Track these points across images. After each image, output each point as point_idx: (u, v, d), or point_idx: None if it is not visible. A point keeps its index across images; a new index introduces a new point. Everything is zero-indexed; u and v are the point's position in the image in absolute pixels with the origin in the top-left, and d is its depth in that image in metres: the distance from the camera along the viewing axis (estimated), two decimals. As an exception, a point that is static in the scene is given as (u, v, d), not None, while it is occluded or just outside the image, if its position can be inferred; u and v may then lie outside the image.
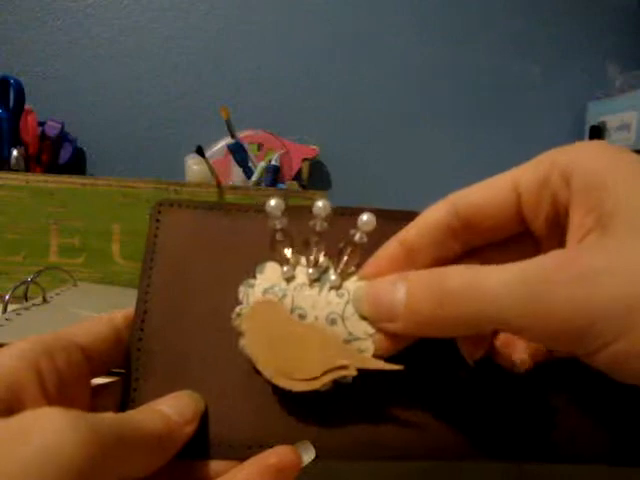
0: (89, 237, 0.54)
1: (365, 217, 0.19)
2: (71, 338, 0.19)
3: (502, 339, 0.20)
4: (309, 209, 0.20)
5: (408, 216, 0.20)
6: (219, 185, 0.55)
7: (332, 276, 0.20)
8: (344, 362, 0.19)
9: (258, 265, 0.21)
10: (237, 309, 0.20)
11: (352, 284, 0.20)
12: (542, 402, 0.21)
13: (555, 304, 0.14)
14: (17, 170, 0.61)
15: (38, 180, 0.53)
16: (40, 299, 0.43)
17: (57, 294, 0.46)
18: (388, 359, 0.19)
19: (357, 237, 0.20)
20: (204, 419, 0.20)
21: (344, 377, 0.19)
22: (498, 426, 0.20)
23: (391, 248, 0.20)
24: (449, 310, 0.16)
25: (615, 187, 0.16)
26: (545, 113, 0.87)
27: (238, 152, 0.66)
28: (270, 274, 0.21)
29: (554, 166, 0.18)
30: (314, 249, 0.20)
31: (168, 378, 0.21)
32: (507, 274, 0.15)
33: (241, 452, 0.19)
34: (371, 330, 0.19)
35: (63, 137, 0.70)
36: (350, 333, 0.20)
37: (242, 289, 0.21)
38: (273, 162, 0.67)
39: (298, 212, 0.21)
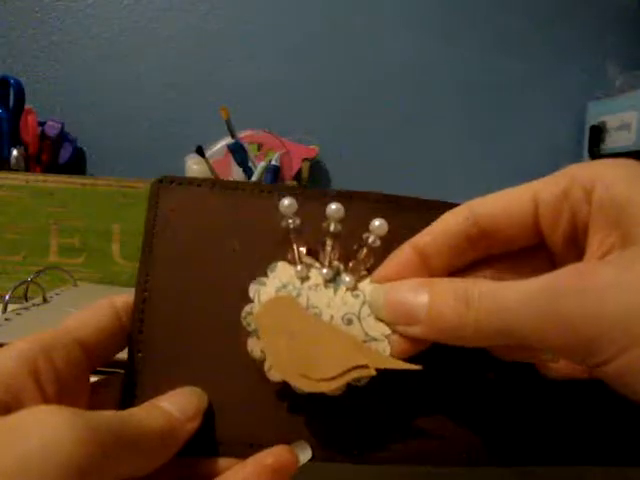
0: (89, 237, 0.54)
1: (377, 222, 0.20)
2: (70, 334, 0.19)
3: None
4: (323, 209, 0.20)
5: (429, 205, 0.20)
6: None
7: (346, 277, 0.20)
8: (364, 361, 0.18)
9: (270, 264, 0.20)
10: (247, 308, 0.20)
11: (367, 286, 0.20)
12: (559, 409, 0.21)
13: (567, 316, 0.15)
14: (17, 170, 0.61)
15: (38, 180, 0.53)
16: (40, 299, 0.43)
17: (57, 294, 0.46)
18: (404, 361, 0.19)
19: (370, 240, 0.20)
20: (207, 416, 0.19)
21: (362, 378, 0.19)
22: (510, 432, 0.20)
23: (405, 253, 0.20)
24: (472, 319, 0.17)
25: None
26: (545, 113, 0.87)
27: (238, 152, 0.66)
28: (282, 273, 0.20)
29: (575, 181, 0.18)
30: (328, 250, 0.20)
31: (170, 372, 0.20)
32: (528, 289, 0.16)
33: (243, 450, 0.19)
34: (388, 331, 0.19)
35: (63, 137, 0.70)
36: (366, 334, 0.19)
37: (253, 287, 0.20)
38: (273, 162, 0.67)
39: (311, 212, 0.21)
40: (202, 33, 0.80)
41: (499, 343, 0.17)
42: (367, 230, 0.20)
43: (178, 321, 0.21)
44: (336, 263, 0.20)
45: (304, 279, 0.20)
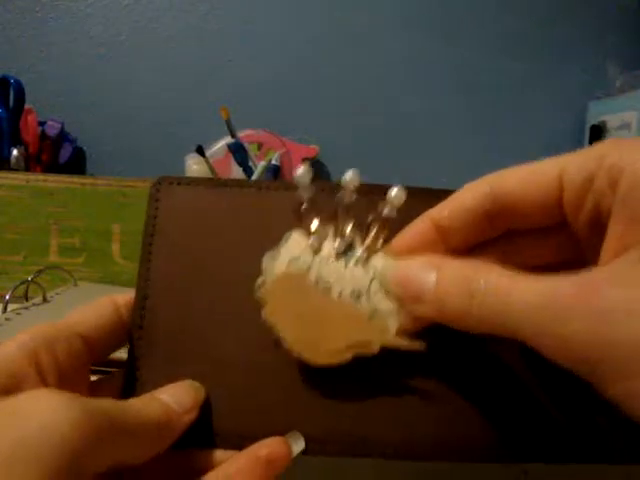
0: (89, 237, 0.54)
1: (395, 191, 0.19)
2: (72, 327, 0.19)
3: None
4: (337, 182, 0.19)
5: (439, 194, 0.20)
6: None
7: (359, 250, 0.20)
8: (367, 338, 0.19)
9: (284, 235, 0.20)
10: (259, 280, 0.20)
11: (379, 260, 0.20)
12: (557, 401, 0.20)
13: (569, 334, 0.14)
14: (17, 170, 0.61)
15: (38, 180, 0.53)
16: (40, 299, 0.43)
17: (57, 294, 0.46)
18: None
19: (386, 211, 0.19)
20: (204, 408, 0.19)
21: (365, 354, 0.19)
22: (512, 420, 0.20)
23: (422, 226, 0.19)
24: (474, 312, 0.16)
25: None
26: (545, 113, 0.87)
27: (238, 152, 0.66)
28: (295, 244, 0.20)
29: (602, 165, 0.16)
30: (341, 221, 0.20)
31: (170, 367, 0.20)
32: (533, 293, 0.15)
33: (238, 442, 0.19)
34: (395, 307, 0.19)
35: (63, 137, 0.70)
36: (374, 309, 0.19)
37: (265, 260, 0.20)
38: (273, 162, 0.67)
39: (326, 184, 0.21)
40: (202, 33, 0.80)
41: (505, 337, 0.17)
42: (383, 200, 0.19)
43: (178, 317, 0.21)
44: (349, 235, 0.20)
45: (316, 251, 0.20)
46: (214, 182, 0.23)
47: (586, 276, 0.15)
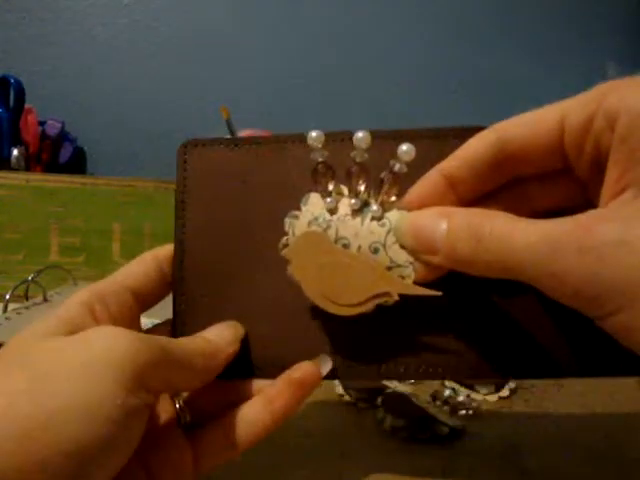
0: (89, 236, 0.54)
1: (405, 147, 0.20)
2: (119, 282, 0.22)
3: None
4: (350, 139, 0.20)
5: (456, 134, 0.21)
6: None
7: (373, 206, 0.21)
8: (387, 288, 0.20)
9: (302, 197, 0.22)
10: (283, 240, 0.22)
11: (393, 214, 0.21)
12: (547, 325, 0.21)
13: (567, 271, 0.15)
14: (17, 169, 0.61)
15: (38, 179, 0.54)
16: (40, 298, 0.43)
17: (57, 293, 0.46)
18: (428, 285, 0.20)
19: (397, 168, 0.20)
20: (244, 345, 0.22)
21: (385, 303, 0.20)
22: (514, 346, 0.21)
23: (432, 179, 0.20)
24: (482, 255, 0.17)
25: None
26: (545, 113, 0.87)
27: (238, 152, 0.66)
28: (314, 206, 0.21)
29: (600, 105, 0.17)
30: (355, 180, 0.21)
31: (210, 311, 0.23)
32: (533, 234, 0.16)
33: (276, 372, 0.21)
34: (412, 258, 0.20)
35: (63, 136, 0.70)
36: (392, 261, 0.20)
37: (287, 220, 0.22)
38: (273, 162, 0.67)
39: (339, 143, 0.22)
40: (202, 33, 0.80)
41: (512, 278, 0.17)
42: (395, 157, 0.20)
43: (215, 266, 0.23)
44: (364, 193, 0.21)
45: (333, 211, 0.21)
46: (237, 140, 0.24)
47: (581, 216, 0.16)
